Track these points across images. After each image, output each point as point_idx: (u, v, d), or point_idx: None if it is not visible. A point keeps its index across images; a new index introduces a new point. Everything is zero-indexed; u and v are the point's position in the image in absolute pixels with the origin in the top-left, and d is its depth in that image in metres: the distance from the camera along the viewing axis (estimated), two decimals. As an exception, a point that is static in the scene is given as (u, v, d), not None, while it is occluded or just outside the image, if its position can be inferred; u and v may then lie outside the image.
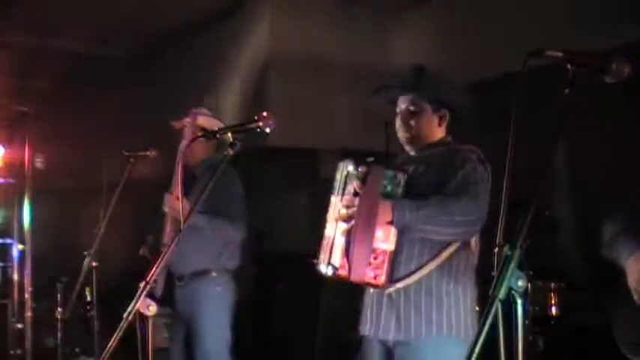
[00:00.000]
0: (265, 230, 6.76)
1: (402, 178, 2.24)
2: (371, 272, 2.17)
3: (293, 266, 5.92)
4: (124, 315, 1.99)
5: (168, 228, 3.53)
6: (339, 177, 2.36)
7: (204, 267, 3.60)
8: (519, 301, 1.42)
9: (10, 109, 5.42)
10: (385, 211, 2.20)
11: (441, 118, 2.59)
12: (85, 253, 3.89)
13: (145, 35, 7.25)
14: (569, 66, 1.54)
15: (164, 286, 3.56)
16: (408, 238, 2.31)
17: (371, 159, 2.33)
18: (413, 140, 2.58)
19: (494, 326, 1.39)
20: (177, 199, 3.36)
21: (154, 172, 5.23)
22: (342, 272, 2.22)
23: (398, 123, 2.62)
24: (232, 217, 3.57)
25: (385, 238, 2.17)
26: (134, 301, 2.01)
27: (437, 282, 2.37)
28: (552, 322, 4.25)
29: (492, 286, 1.41)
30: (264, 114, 2.25)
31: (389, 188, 2.23)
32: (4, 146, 5.44)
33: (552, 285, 4.26)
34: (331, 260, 2.25)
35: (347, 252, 2.20)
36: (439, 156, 2.51)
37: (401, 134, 2.61)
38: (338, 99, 6.42)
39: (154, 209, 4.01)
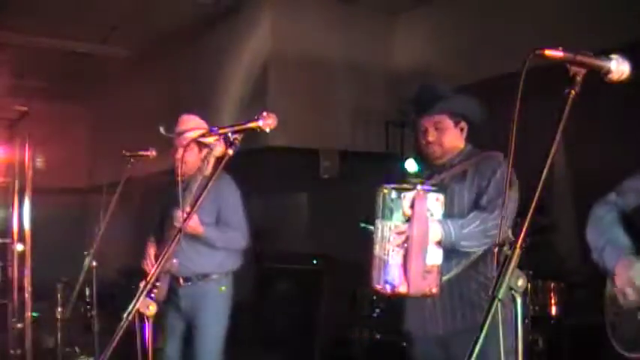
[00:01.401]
0: (265, 230, 6.77)
1: (442, 198, 2.45)
2: (426, 285, 2.40)
3: (293, 266, 5.95)
4: (124, 315, 1.99)
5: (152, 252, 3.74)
6: (381, 202, 2.51)
7: (210, 270, 3.71)
8: (519, 301, 1.42)
9: (10, 109, 5.42)
10: (435, 232, 2.42)
11: (461, 130, 2.86)
12: (85, 253, 3.89)
13: (146, 35, 7.25)
14: (569, 66, 1.54)
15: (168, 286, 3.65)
16: None
17: (412, 183, 2.47)
18: (440, 155, 2.84)
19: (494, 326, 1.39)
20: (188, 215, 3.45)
21: (153, 173, 5.23)
22: (402, 289, 2.42)
23: (424, 141, 2.85)
24: (240, 228, 3.72)
25: (434, 255, 2.42)
26: (134, 301, 2.01)
27: (480, 271, 2.67)
28: (552, 322, 4.25)
29: (492, 285, 1.41)
30: (264, 114, 2.25)
31: (431, 210, 2.44)
32: (4, 146, 5.44)
33: (552, 285, 4.27)
34: (388, 279, 2.45)
35: (404, 270, 2.41)
36: (471, 165, 2.76)
37: (429, 151, 2.85)
38: (338, 99, 6.43)
39: (154, 209, 4.02)
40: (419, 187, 2.44)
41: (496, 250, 1.49)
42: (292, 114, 5.78)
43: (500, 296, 1.40)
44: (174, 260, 3.52)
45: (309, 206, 7.35)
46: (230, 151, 2.27)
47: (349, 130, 6.50)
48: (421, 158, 2.96)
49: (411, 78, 6.49)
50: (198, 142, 3.57)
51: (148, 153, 3.69)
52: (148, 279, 2.12)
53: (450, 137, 2.83)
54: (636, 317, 2.23)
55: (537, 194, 1.50)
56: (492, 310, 1.39)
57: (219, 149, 3.13)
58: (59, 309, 4.43)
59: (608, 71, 1.56)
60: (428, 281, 2.40)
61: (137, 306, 2.01)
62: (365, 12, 6.57)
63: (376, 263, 2.56)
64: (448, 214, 2.56)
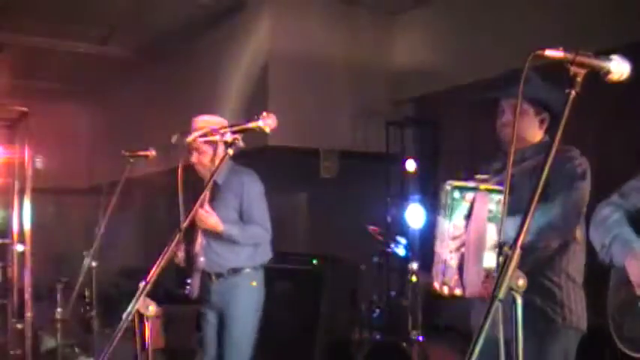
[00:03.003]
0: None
1: (503, 200, 2.35)
2: (483, 289, 2.37)
3: (293, 266, 5.94)
4: (124, 315, 1.98)
5: (199, 239, 3.65)
6: (444, 199, 2.43)
7: (241, 265, 3.75)
8: (519, 301, 1.42)
9: (10, 109, 5.42)
10: (492, 235, 2.35)
11: (541, 121, 2.67)
12: (85, 253, 3.89)
13: (146, 35, 7.25)
14: (569, 66, 1.54)
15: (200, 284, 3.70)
16: None
17: (476, 182, 2.42)
18: (511, 139, 2.66)
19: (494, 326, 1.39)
20: (208, 213, 3.53)
21: (153, 173, 5.23)
22: (457, 292, 2.40)
23: (500, 123, 2.70)
24: (262, 222, 3.77)
25: (493, 258, 2.35)
26: (134, 301, 2.01)
27: (544, 276, 2.57)
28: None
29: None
30: (264, 114, 2.25)
31: (493, 211, 2.37)
32: (4, 146, 5.43)
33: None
34: (446, 280, 2.42)
35: (460, 273, 2.37)
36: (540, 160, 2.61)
37: (502, 134, 2.69)
38: (338, 99, 6.43)
39: (154, 209, 4.02)
40: (482, 185, 2.37)
41: (496, 250, 1.49)
42: (292, 114, 5.78)
43: (500, 296, 1.40)
44: (201, 259, 3.61)
45: (309, 206, 7.35)
46: (230, 151, 2.27)
47: (349, 130, 6.50)
48: (498, 144, 2.78)
49: (411, 78, 6.49)
50: (209, 142, 3.60)
51: (148, 153, 3.69)
52: (148, 279, 2.12)
53: (526, 124, 2.64)
54: None
55: (537, 194, 1.50)
56: (492, 310, 1.38)
57: (228, 137, 3.17)
58: (59, 309, 4.43)
59: (608, 71, 1.56)
60: (485, 284, 2.35)
61: (137, 306, 2.00)
62: (365, 12, 6.57)
63: (436, 260, 2.51)
64: (515, 211, 2.49)
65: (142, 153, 3.73)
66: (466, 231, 2.35)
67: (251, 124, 2.25)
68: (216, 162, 3.67)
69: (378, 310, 4.85)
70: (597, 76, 1.57)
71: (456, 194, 2.37)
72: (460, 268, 2.38)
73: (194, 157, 3.63)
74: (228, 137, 2.28)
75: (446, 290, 2.45)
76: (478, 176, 2.59)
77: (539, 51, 1.52)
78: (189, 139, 3.52)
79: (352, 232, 5.06)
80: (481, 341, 1.38)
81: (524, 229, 1.46)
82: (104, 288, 5.71)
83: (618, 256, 2.32)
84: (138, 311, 2.01)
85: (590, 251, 2.55)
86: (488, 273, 2.35)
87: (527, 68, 1.52)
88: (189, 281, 3.63)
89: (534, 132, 2.67)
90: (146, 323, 2.03)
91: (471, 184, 2.40)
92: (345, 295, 5.71)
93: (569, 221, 2.51)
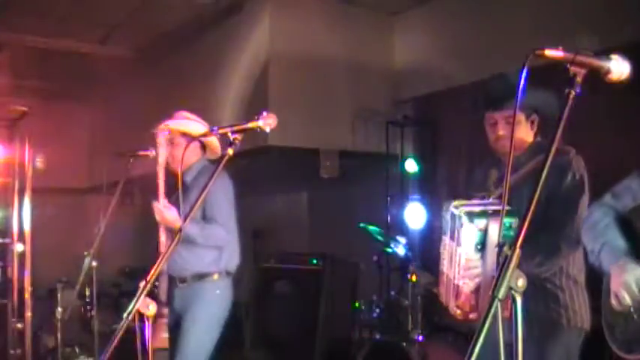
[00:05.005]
0: (265, 230, 6.77)
1: (515, 223, 2.35)
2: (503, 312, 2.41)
3: (293, 266, 5.94)
4: (124, 315, 1.99)
5: (162, 237, 3.47)
6: (451, 223, 2.43)
7: (206, 270, 3.61)
8: (519, 301, 1.42)
9: (10, 109, 5.42)
10: None
11: (532, 123, 2.74)
12: (85, 253, 3.89)
13: (146, 36, 7.25)
14: (569, 66, 1.54)
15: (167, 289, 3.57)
16: None
17: (482, 204, 2.41)
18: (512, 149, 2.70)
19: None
20: (166, 208, 3.38)
21: (153, 172, 5.23)
22: (472, 316, 2.40)
23: (494, 135, 2.72)
24: (223, 222, 3.56)
25: None
26: (134, 301, 2.01)
27: (547, 280, 2.63)
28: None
29: (492, 285, 1.41)
30: (264, 114, 2.25)
31: (505, 236, 2.34)
32: (4, 146, 5.43)
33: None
34: (459, 304, 2.41)
35: (476, 301, 2.37)
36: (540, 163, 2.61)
37: (498, 146, 2.73)
38: (338, 99, 6.43)
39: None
40: (490, 209, 2.32)
41: (496, 250, 1.49)
42: (292, 114, 5.78)
43: (500, 296, 1.40)
44: None
45: (309, 206, 7.35)
46: (230, 151, 2.27)
47: (349, 130, 6.49)
48: (491, 153, 2.81)
49: (411, 78, 6.49)
50: (184, 135, 3.58)
51: (148, 153, 3.68)
52: (148, 279, 2.12)
53: (521, 132, 2.69)
54: (633, 317, 2.21)
55: (537, 194, 1.50)
56: (492, 310, 1.38)
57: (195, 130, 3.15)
58: (59, 309, 4.43)
59: (608, 71, 1.56)
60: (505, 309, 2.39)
61: (137, 306, 2.01)
62: (365, 12, 6.57)
63: (444, 281, 2.50)
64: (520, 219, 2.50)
65: (142, 153, 3.73)
66: (482, 262, 2.30)
67: (251, 124, 2.25)
68: (190, 157, 3.64)
69: (378, 310, 4.84)
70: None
71: (465, 220, 2.33)
72: (475, 295, 2.35)
73: (167, 149, 3.52)
74: (229, 137, 2.28)
75: (459, 314, 2.43)
76: (478, 194, 2.60)
77: (538, 51, 1.52)
78: (162, 125, 3.51)
79: (352, 232, 5.06)
80: (481, 341, 1.38)
81: (524, 229, 1.46)
82: (104, 288, 5.72)
83: (606, 263, 2.32)
84: (138, 311, 2.01)
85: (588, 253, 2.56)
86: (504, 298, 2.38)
87: (526, 68, 1.52)
88: (157, 284, 3.42)
89: (528, 135, 2.73)
90: (146, 323, 2.04)
91: (476, 207, 2.36)
92: (345, 295, 5.71)
93: (572, 247, 2.59)
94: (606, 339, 2.35)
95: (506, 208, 2.38)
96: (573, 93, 1.53)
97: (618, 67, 1.56)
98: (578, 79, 1.53)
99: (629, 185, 2.42)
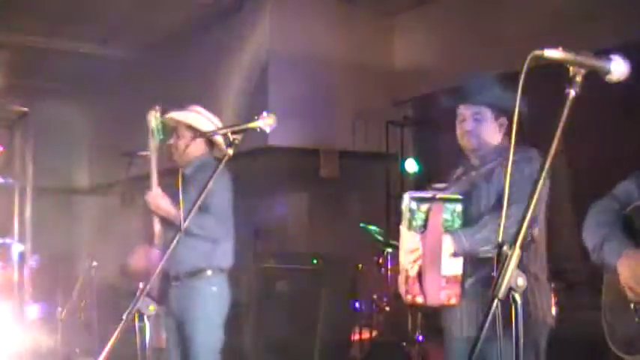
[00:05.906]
0: (265, 230, 6.76)
1: (459, 208, 2.44)
2: (445, 296, 2.45)
3: (293, 266, 5.94)
4: (124, 315, 1.99)
5: (157, 227, 3.45)
6: (404, 209, 2.50)
7: (198, 266, 3.53)
8: (519, 301, 1.42)
9: (10, 109, 5.42)
10: (447, 244, 2.42)
11: (500, 126, 2.72)
12: (85, 253, 3.89)
13: (145, 35, 7.26)
14: (569, 66, 1.54)
15: (159, 287, 3.52)
16: None
17: (434, 191, 2.47)
18: (475, 147, 2.73)
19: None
20: (160, 197, 3.38)
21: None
22: (419, 300, 2.47)
23: (460, 130, 2.74)
24: (219, 216, 3.51)
25: (453, 266, 2.43)
26: (134, 301, 2.01)
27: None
28: (552, 323, 4.24)
29: (492, 285, 1.41)
30: (264, 114, 2.26)
31: (449, 220, 2.44)
32: (4, 146, 5.43)
33: (552, 285, 4.26)
34: (409, 289, 2.49)
35: (420, 283, 2.44)
36: (501, 163, 2.64)
37: (464, 141, 2.74)
38: (338, 99, 6.43)
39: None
40: (438, 195, 2.42)
41: (496, 250, 1.49)
42: (292, 114, 5.78)
43: (500, 296, 1.40)
44: (156, 250, 3.38)
45: (309, 206, 7.35)
46: (230, 151, 2.27)
47: (349, 130, 6.50)
48: (460, 149, 2.82)
49: (410, 78, 6.50)
50: (189, 128, 3.58)
51: (148, 153, 3.68)
52: (150, 279, 2.12)
53: (487, 130, 2.69)
54: (633, 319, 2.20)
55: (537, 194, 1.50)
56: (492, 310, 1.39)
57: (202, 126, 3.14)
58: (59, 309, 4.43)
59: (608, 71, 1.56)
60: (446, 292, 2.43)
61: (137, 306, 2.01)
62: (365, 12, 6.57)
63: (400, 269, 2.57)
64: (476, 215, 2.51)
65: (142, 153, 3.72)
66: (421, 244, 2.41)
67: (251, 124, 2.26)
68: (192, 151, 3.60)
69: (378, 310, 4.85)
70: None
71: (413, 205, 2.43)
72: (419, 276, 2.44)
73: (172, 139, 3.53)
74: (229, 137, 2.28)
75: (409, 298, 2.51)
76: (437, 185, 2.63)
77: (538, 51, 1.52)
78: (168, 116, 3.50)
79: (352, 232, 5.06)
80: (481, 341, 1.38)
81: (524, 228, 1.46)
82: (104, 288, 5.72)
83: (609, 257, 2.29)
84: (138, 311, 2.01)
85: (587, 251, 2.55)
86: (448, 279, 2.44)
87: (526, 68, 1.52)
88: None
89: (494, 136, 2.71)
90: (146, 323, 2.04)
91: (428, 194, 2.46)
92: (345, 295, 5.71)
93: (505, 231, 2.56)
94: (606, 339, 2.35)
95: (452, 195, 2.46)
96: (573, 93, 1.53)
97: (618, 67, 1.56)
98: (578, 79, 1.53)
99: (628, 186, 2.42)
